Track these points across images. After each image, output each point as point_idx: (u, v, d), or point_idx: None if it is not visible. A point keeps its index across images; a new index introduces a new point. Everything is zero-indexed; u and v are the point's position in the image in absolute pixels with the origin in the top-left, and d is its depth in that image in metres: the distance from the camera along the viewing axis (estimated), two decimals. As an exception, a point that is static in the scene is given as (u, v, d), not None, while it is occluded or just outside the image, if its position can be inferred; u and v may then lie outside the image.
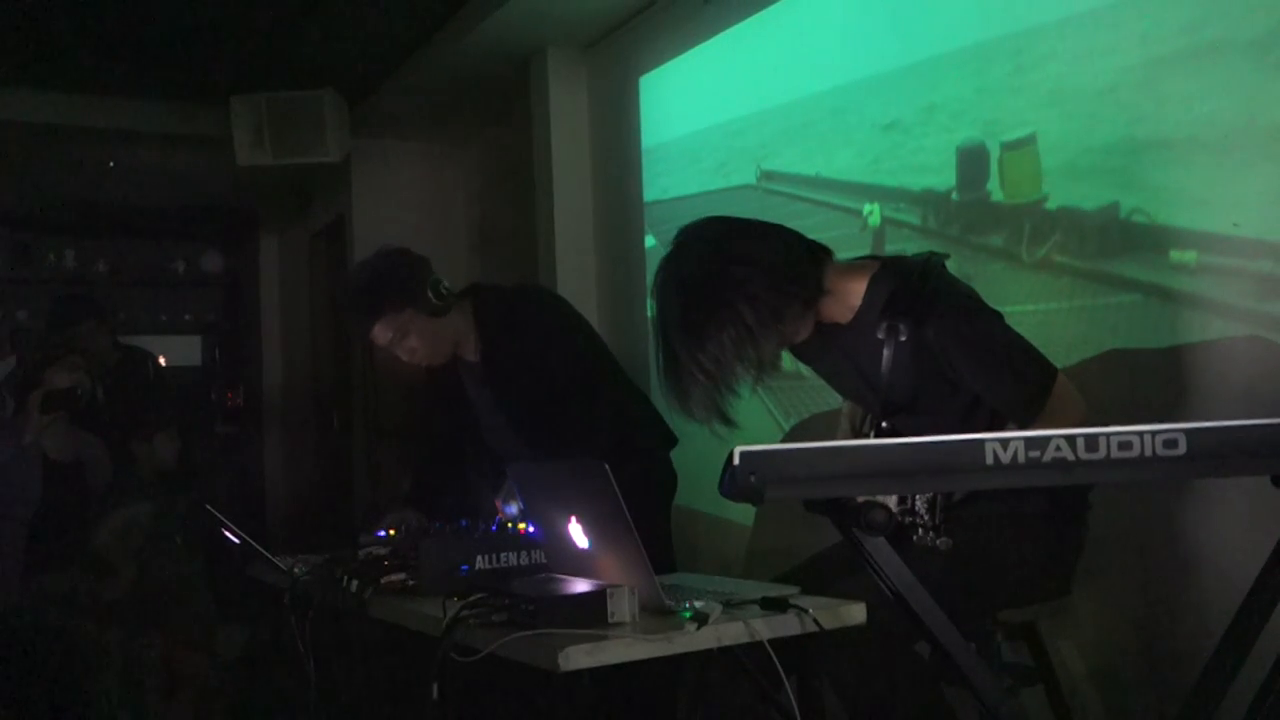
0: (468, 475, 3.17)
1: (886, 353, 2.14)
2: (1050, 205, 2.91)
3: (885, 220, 3.41)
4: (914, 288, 2.13)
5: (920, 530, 2.01)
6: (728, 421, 2.17)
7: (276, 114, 5.44)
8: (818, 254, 2.23)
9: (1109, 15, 2.75)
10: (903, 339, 2.11)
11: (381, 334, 2.91)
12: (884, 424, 2.28)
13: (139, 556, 3.79)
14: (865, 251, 3.05)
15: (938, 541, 1.99)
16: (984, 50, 3.08)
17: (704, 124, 4.24)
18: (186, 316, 7.49)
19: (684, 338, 2.11)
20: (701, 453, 3.13)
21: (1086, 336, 2.78)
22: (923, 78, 3.28)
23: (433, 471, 3.22)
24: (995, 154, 3.06)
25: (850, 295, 2.22)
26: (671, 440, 3.09)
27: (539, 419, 2.98)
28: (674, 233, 2.24)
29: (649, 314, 2.27)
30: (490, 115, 5.61)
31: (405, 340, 2.92)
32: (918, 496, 2.04)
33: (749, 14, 3.94)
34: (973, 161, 3.12)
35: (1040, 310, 2.87)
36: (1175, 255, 2.60)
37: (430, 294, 2.87)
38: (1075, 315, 2.83)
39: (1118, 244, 2.74)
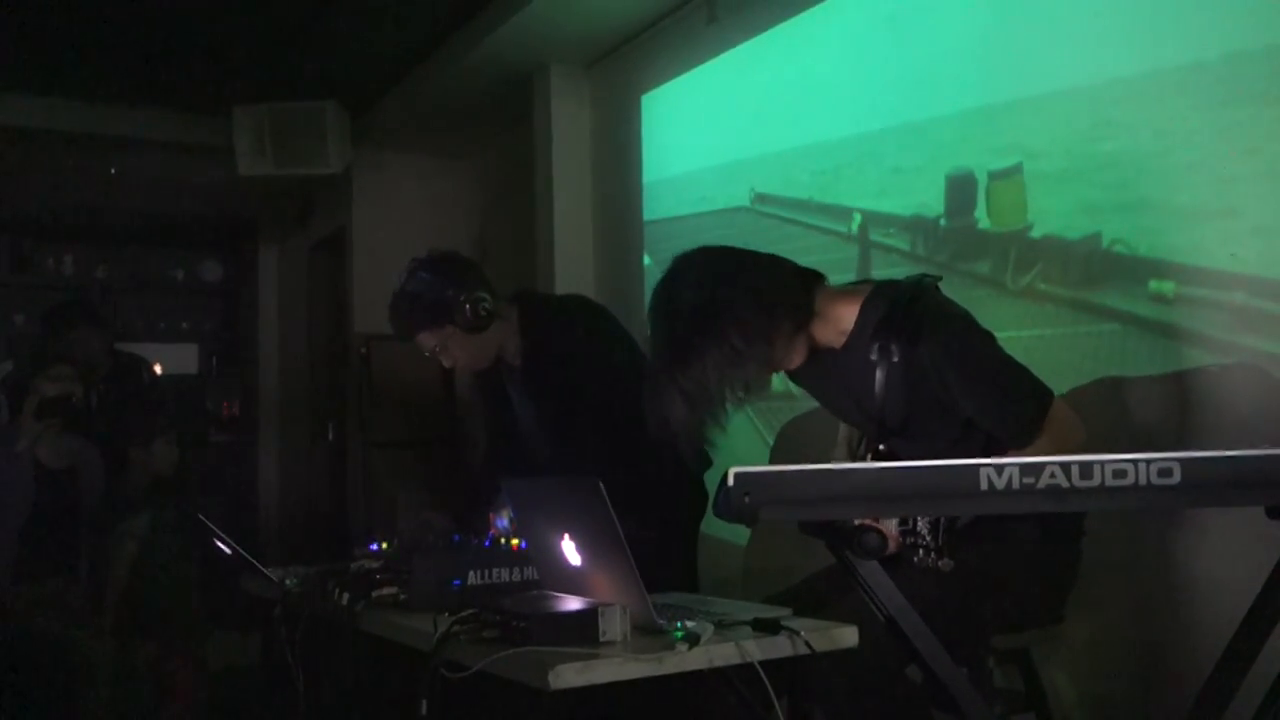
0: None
1: (879, 374, 2.14)
2: (1034, 234, 2.93)
3: (875, 245, 3.44)
4: (906, 309, 2.13)
5: (921, 551, 2.00)
6: (705, 444, 2.22)
7: (279, 124, 5.46)
8: (808, 279, 2.25)
9: (1119, 89, 2.77)
10: (895, 360, 2.12)
11: (423, 344, 3.02)
12: (880, 448, 2.28)
13: (134, 564, 3.78)
14: (854, 272, 3.07)
15: (939, 563, 1.99)
16: (991, 112, 3.10)
17: (704, 152, 4.24)
18: (184, 325, 7.47)
19: (668, 359, 2.14)
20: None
21: (1071, 363, 2.80)
22: (928, 130, 3.29)
23: (486, 474, 3.24)
24: (983, 182, 3.08)
25: (843, 319, 2.23)
26: (705, 461, 3.06)
27: (574, 428, 3.01)
28: (670, 253, 2.26)
29: (647, 332, 2.28)
30: (492, 130, 5.62)
31: (445, 353, 3.02)
32: (919, 518, 2.04)
33: (753, 34, 3.95)
34: (961, 189, 3.15)
35: (1026, 337, 2.88)
36: (1154, 285, 2.64)
37: (469, 311, 2.91)
38: (1060, 342, 2.85)
39: (1100, 273, 2.76)
